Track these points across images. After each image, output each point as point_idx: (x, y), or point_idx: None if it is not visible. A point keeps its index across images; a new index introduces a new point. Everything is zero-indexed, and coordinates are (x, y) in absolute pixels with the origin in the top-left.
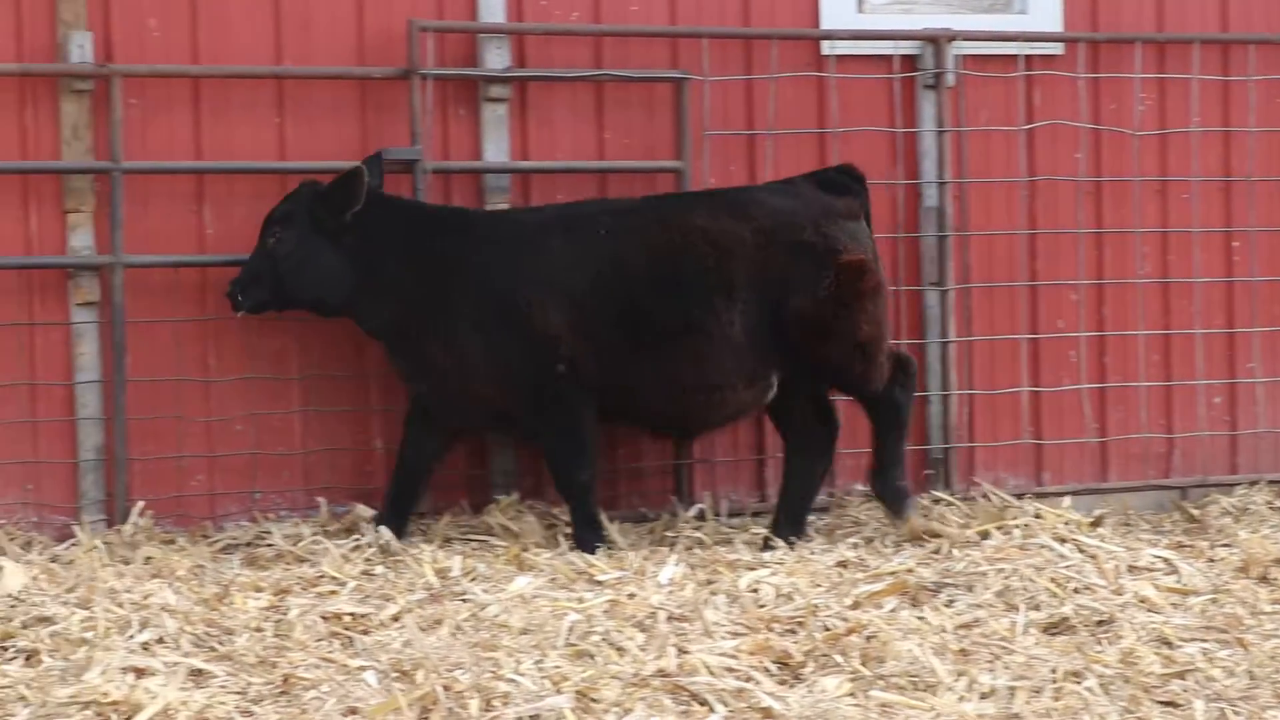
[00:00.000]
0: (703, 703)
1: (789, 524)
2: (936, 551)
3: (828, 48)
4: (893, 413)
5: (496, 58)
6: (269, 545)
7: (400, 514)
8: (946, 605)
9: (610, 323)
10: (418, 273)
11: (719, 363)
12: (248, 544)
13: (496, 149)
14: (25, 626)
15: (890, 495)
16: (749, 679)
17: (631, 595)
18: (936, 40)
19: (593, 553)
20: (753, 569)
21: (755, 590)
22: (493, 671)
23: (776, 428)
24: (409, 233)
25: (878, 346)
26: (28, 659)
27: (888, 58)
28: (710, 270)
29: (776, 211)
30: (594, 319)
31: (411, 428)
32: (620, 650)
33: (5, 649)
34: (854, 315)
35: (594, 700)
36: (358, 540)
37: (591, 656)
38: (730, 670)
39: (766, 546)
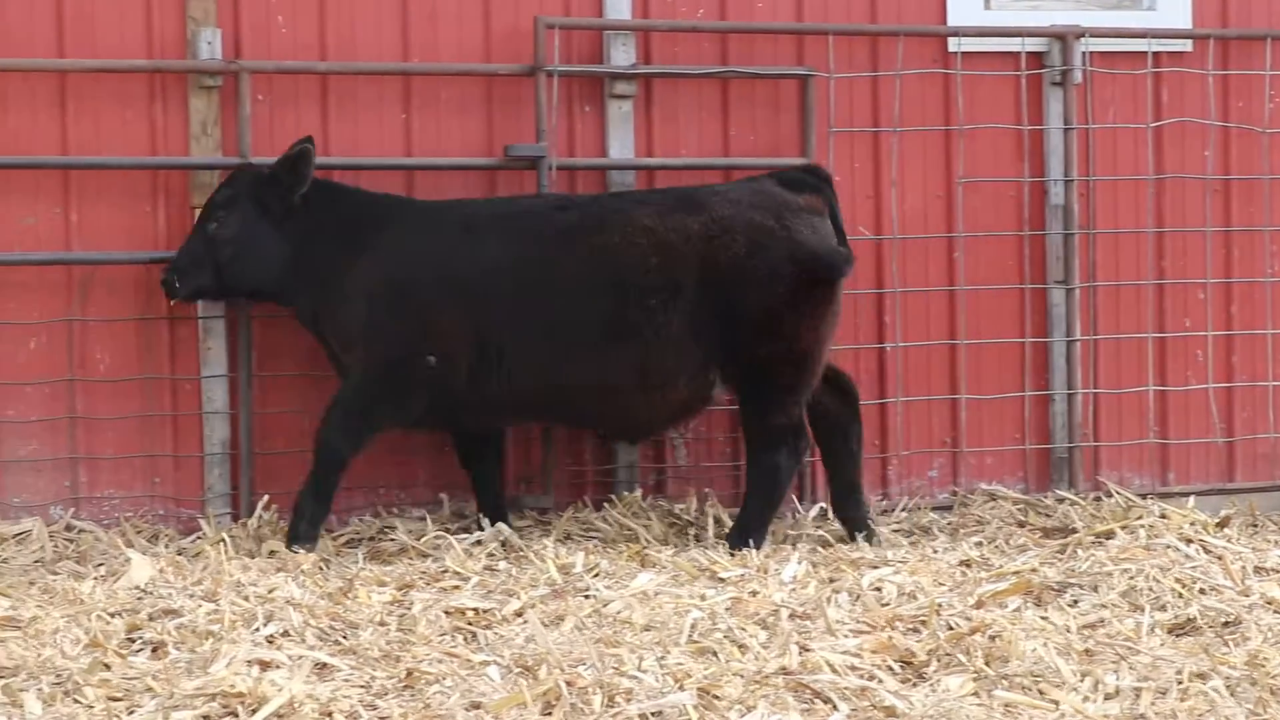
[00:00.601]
0: (825, 701)
1: (845, 504)
2: (1061, 551)
3: (954, 44)
4: (769, 478)
5: (622, 54)
6: (391, 540)
7: None
8: (1071, 605)
9: (538, 322)
10: (340, 260)
11: (659, 363)
12: (371, 539)
13: (621, 146)
14: (152, 619)
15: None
16: (872, 677)
17: (754, 593)
18: (1064, 37)
19: (300, 539)
20: (875, 567)
21: (878, 589)
22: (615, 668)
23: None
24: (343, 220)
25: (812, 365)
26: (154, 651)
27: (1015, 54)
28: (651, 271)
29: (734, 203)
30: (519, 318)
31: None
32: (742, 647)
33: (132, 641)
34: (801, 319)
35: (716, 697)
36: (480, 536)
37: (714, 653)
38: (853, 668)
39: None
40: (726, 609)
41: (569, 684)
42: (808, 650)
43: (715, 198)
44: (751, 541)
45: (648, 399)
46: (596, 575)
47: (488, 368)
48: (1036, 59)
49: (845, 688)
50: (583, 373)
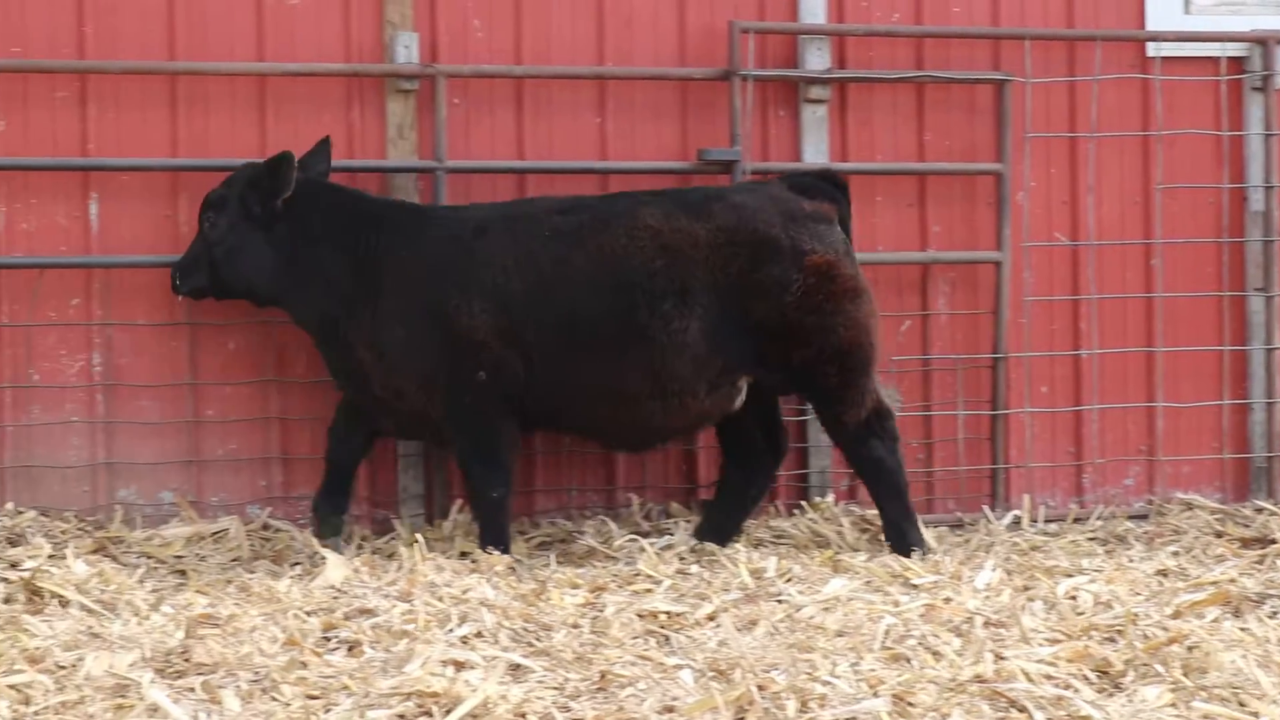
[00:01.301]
0: (1021, 709)
1: (711, 533)
2: (1260, 562)
3: (1153, 49)
4: (877, 471)
5: (817, 59)
6: (583, 542)
7: (335, 511)
8: (1270, 617)
9: (551, 329)
10: (348, 266)
11: (673, 370)
12: (562, 541)
13: (815, 150)
14: (347, 618)
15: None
16: (1068, 686)
17: (947, 600)
18: (1265, 42)
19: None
20: (1070, 575)
21: (1073, 597)
22: (808, 673)
23: (721, 437)
24: (343, 224)
25: (861, 358)
26: (350, 650)
27: (1214, 59)
28: (659, 273)
29: (740, 209)
30: (532, 325)
31: (335, 428)
32: (936, 655)
33: (328, 639)
34: (827, 319)
35: (910, 704)
36: (670, 539)
37: (908, 660)
38: (1048, 677)
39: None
40: (920, 615)
41: (761, 689)
42: (1002, 658)
43: (720, 203)
44: (911, 539)
45: (665, 406)
46: (789, 580)
47: (497, 379)
48: (1237, 64)
49: (1041, 696)
50: (600, 380)
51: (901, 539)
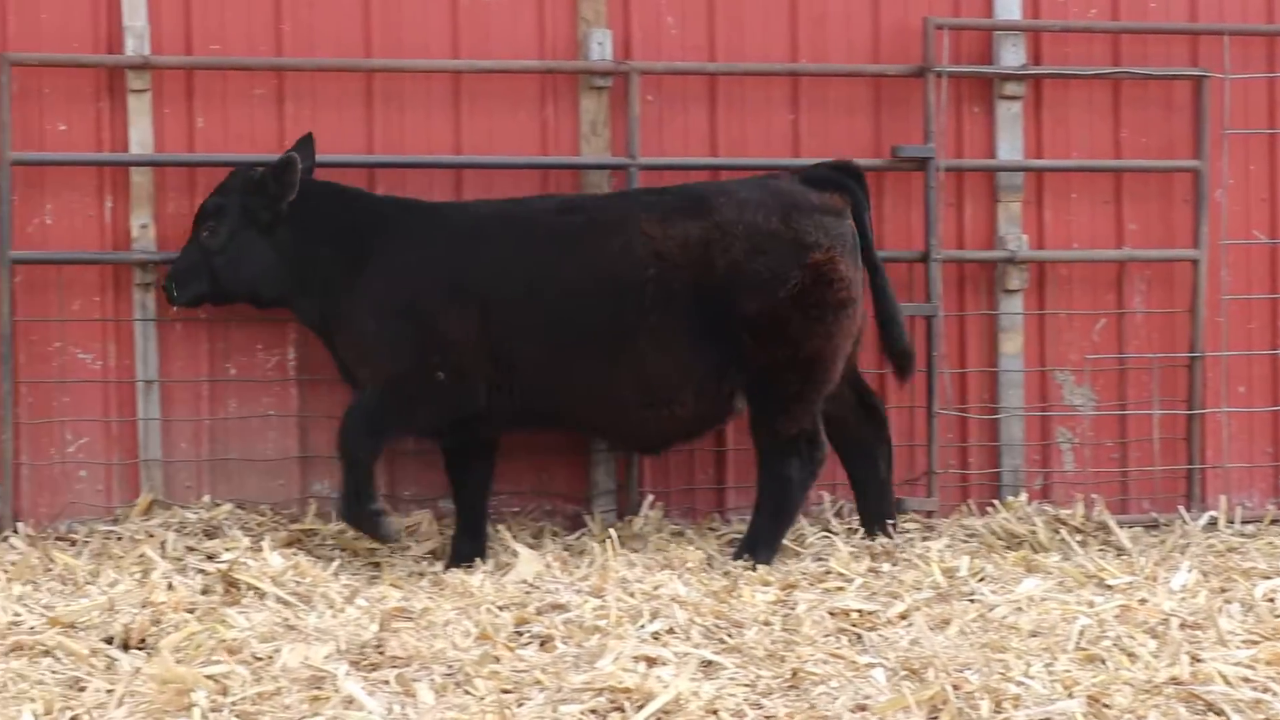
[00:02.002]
0: (1218, 713)
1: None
2: None
3: None
4: (780, 489)
5: (1012, 55)
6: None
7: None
8: None
9: (537, 333)
10: (342, 265)
11: (662, 377)
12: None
13: (1010, 147)
14: (540, 613)
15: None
16: (1266, 690)
17: (1143, 601)
18: None
19: (362, 523)
20: (1268, 577)
21: (1271, 599)
22: (1002, 673)
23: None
24: (340, 224)
25: (824, 373)
26: (542, 644)
27: None
28: (650, 279)
29: (742, 202)
30: (518, 329)
31: None
32: (1132, 656)
33: (520, 634)
34: (812, 324)
35: (1106, 706)
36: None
37: (1102, 661)
38: (1246, 680)
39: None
40: (1115, 616)
41: (955, 688)
42: (1199, 660)
43: (722, 198)
44: (758, 557)
45: (656, 414)
46: (981, 579)
47: (460, 382)
48: None
49: (1239, 700)
50: (588, 387)
51: (751, 547)
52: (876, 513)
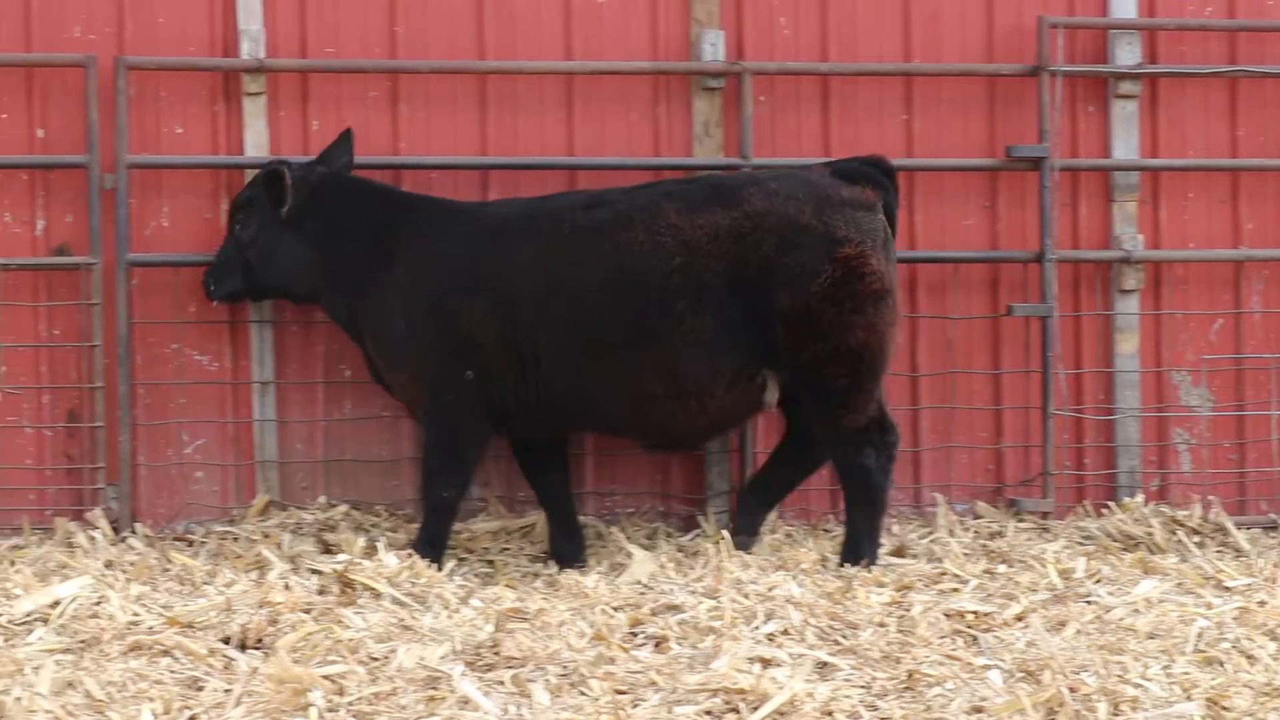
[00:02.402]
0: None
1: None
2: None
3: None
4: (863, 484)
5: (1127, 54)
6: (889, 540)
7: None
8: None
9: (565, 329)
10: (368, 262)
11: (687, 369)
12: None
13: (1125, 146)
14: (654, 613)
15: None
16: None
17: (1262, 603)
18: None
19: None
20: None
21: None
22: (1119, 675)
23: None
24: (370, 219)
25: (873, 363)
26: (657, 645)
27: None
28: (676, 270)
29: (771, 194)
30: (542, 327)
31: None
32: (1251, 659)
33: (635, 635)
34: (848, 317)
35: (1225, 709)
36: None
37: (1221, 664)
38: None
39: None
40: (1234, 618)
41: (1072, 690)
42: None
43: (752, 189)
44: (865, 555)
45: (683, 407)
46: (1098, 581)
47: (486, 381)
48: None
49: None
50: (614, 381)
51: (855, 553)
52: (755, 503)
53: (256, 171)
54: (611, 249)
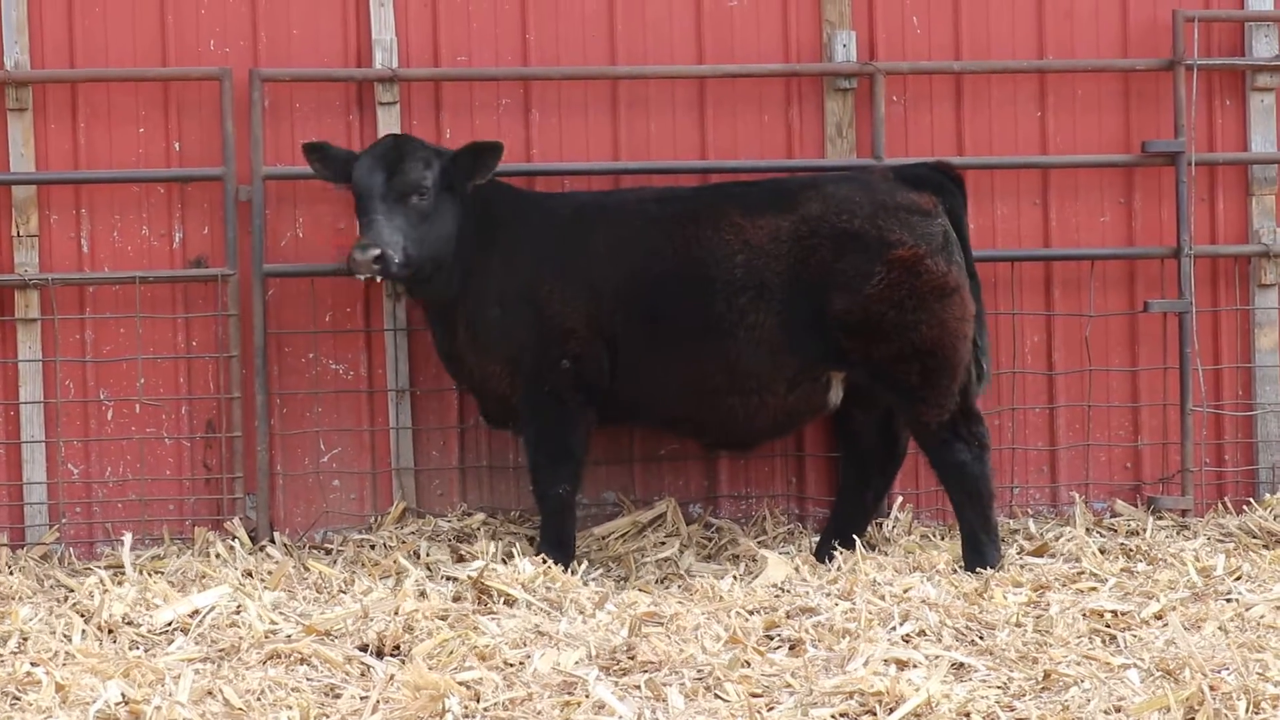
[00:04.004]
0: None
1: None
2: None
3: None
4: (959, 477)
5: (1265, 46)
6: (1025, 540)
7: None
8: None
9: (636, 321)
10: (473, 247)
11: (750, 365)
12: (1004, 539)
13: (1264, 139)
14: (789, 616)
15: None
16: None
17: None
18: None
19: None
20: None
21: None
22: (1260, 673)
23: (840, 442)
24: (480, 206)
25: (945, 358)
26: (791, 648)
27: None
28: (739, 267)
29: (827, 199)
30: (621, 314)
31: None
32: None
33: (770, 638)
34: (909, 315)
35: None
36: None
37: None
38: None
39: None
40: None
41: (1212, 689)
42: None
43: (810, 192)
44: (988, 557)
45: (744, 403)
46: (1239, 579)
47: (580, 370)
48: None
49: None
50: (680, 375)
51: (977, 552)
52: (838, 529)
53: (398, 141)
54: (681, 242)
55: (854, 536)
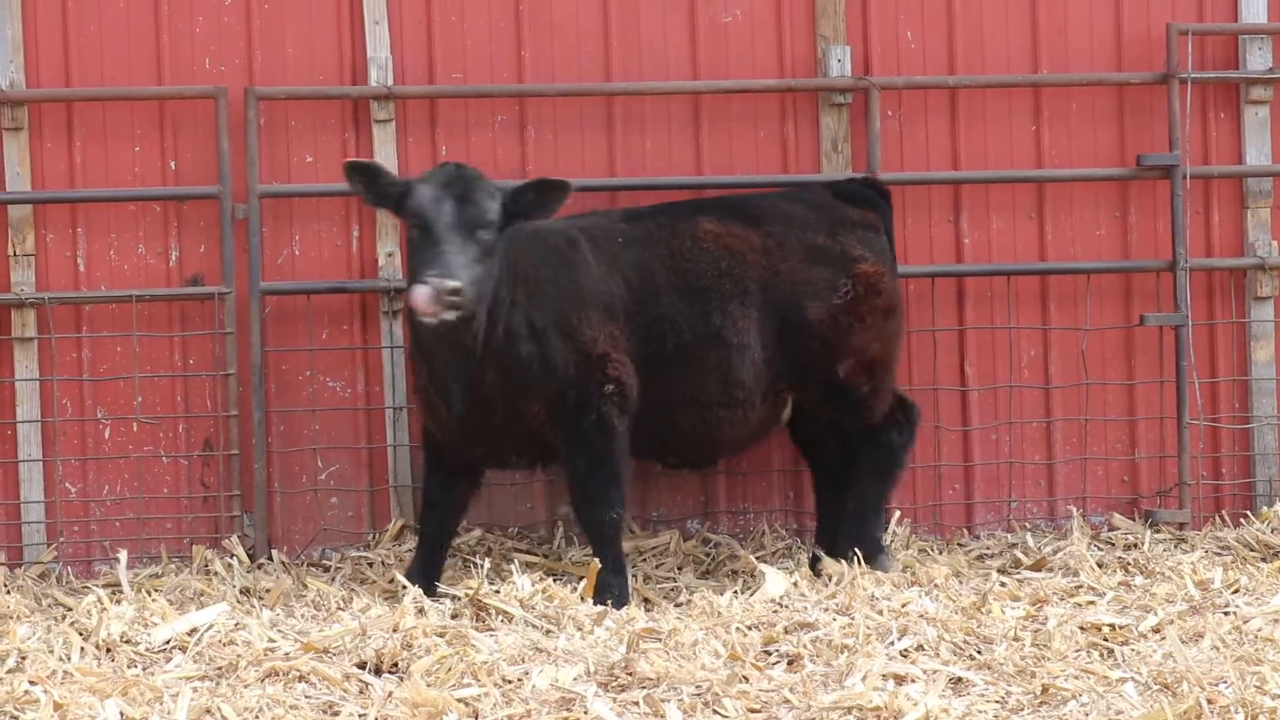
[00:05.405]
0: None
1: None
2: None
3: None
4: (886, 454)
5: (1259, 58)
6: (1023, 554)
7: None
8: None
9: (641, 336)
10: (500, 282)
11: (740, 375)
12: (1001, 553)
13: (1258, 153)
14: (788, 631)
15: (866, 549)
16: None
17: None
18: None
19: (620, 605)
20: None
21: None
22: (1258, 687)
23: (804, 456)
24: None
25: (886, 370)
26: (790, 664)
27: None
28: (724, 275)
29: (788, 217)
30: (629, 331)
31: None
32: None
33: (768, 653)
34: (866, 331)
35: None
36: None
37: None
38: None
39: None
40: None
41: (1210, 702)
42: None
43: (769, 211)
44: (871, 532)
45: (731, 415)
46: (1236, 592)
47: (621, 392)
48: None
49: None
50: (680, 387)
51: (859, 527)
52: (829, 543)
53: (453, 170)
54: (668, 256)
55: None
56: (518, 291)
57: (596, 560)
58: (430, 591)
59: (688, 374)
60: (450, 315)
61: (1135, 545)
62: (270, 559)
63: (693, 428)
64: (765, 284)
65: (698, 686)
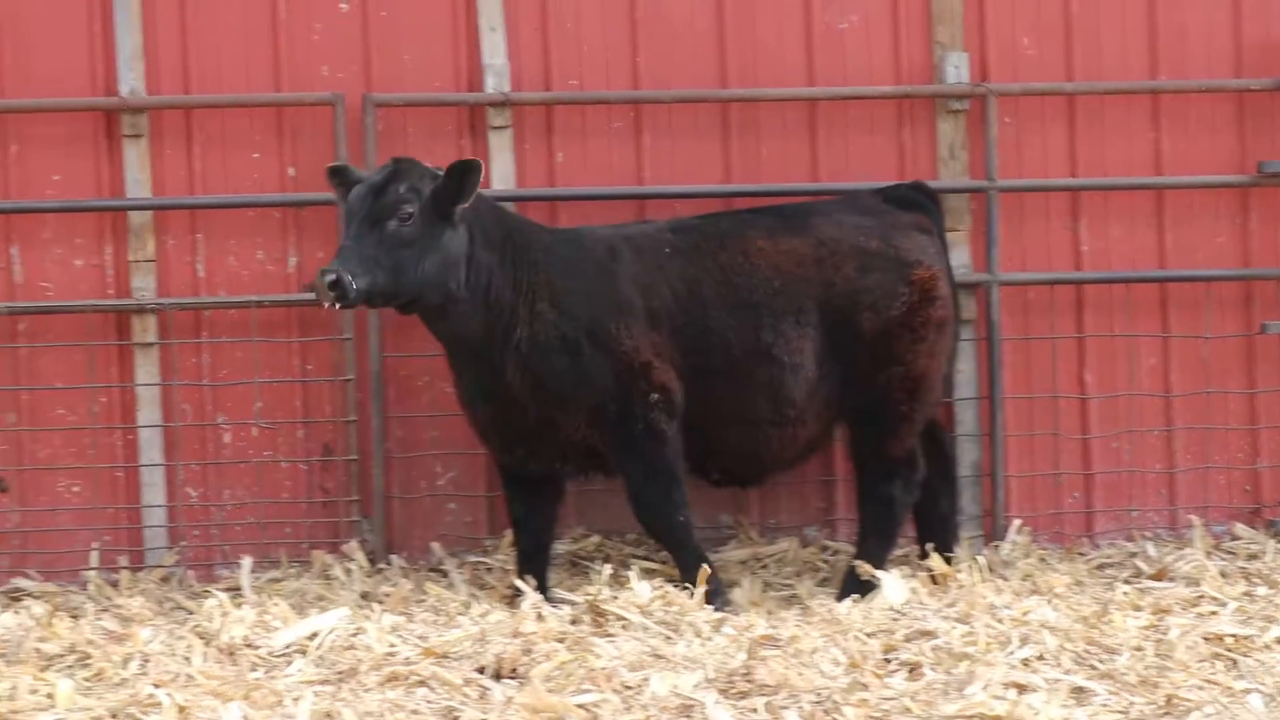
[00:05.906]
0: None
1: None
2: None
3: None
4: (887, 514)
5: None
6: (1143, 564)
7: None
8: None
9: (685, 349)
10: (514, 284)
11: (791, 394)
12: (1122, 562)
13: None
14: (908, 640)
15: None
16: None
17: None
18: None
19: (718, 604)
20: None
21: None
22: None
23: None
24: (507, 240)
25: (928, 392)
26: (910, 672)
27: None
28: (777, 294)
29: (840, 224)
30: (671, 340)
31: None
32: None
33: (888, 661)
34: (918, 343)
35: None
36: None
37: None
38: None
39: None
40: None
41: None
42: None
43: (820, 218)
44: (862, 584)
45: (781, 434)
46: None
47: (667, 400)
48: None
49: None
50: (728, 403)
51: (856, 579)
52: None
53: (397, 164)
54: (716, 269)
55: (951, 549)
56: (540, 300)
57: (705, 566)
58: None
59: (735, 390)
60: (335, 304)
61: (1258, 555)
62: (390, 564)
63: (740, 445)
64: (819, 298)
65: (817, 694)
